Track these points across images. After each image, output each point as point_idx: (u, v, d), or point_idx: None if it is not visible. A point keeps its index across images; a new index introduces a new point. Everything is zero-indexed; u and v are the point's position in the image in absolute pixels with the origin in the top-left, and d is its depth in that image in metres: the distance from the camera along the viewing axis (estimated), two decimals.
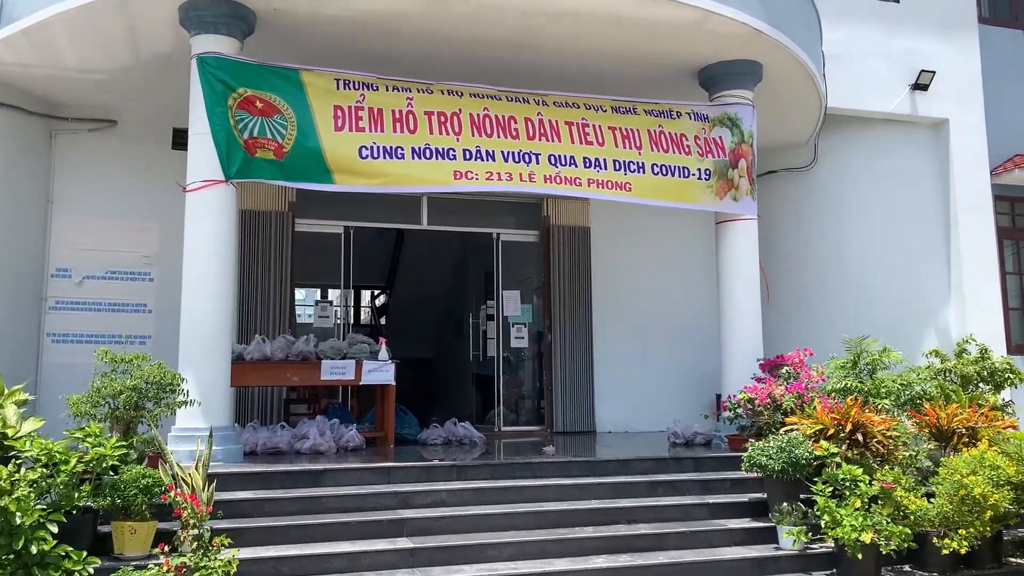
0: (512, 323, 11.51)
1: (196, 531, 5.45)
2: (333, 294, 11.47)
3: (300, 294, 13.61)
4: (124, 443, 6.25)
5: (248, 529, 6.14)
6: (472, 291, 16.34)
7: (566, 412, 11.22)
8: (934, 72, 11.31)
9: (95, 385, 6.55)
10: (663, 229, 12.05)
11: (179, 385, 6.85)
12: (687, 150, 9.03)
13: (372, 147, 7.98)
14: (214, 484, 6.02)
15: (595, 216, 11.73)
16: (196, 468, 6.02)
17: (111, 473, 5.81)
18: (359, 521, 6.36)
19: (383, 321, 18.70)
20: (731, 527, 6.82)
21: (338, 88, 8.03)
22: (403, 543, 6.17)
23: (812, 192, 11.59)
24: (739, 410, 8.32)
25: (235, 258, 9.84)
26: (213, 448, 7.21)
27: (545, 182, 8.52)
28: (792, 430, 7.19)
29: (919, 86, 11.35)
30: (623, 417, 11.56)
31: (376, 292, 19.42)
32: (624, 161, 8.83)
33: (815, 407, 7.32)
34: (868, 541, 6.09)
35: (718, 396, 11.71)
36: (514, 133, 8.45)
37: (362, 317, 19.96)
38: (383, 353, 9.21)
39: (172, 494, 5.55)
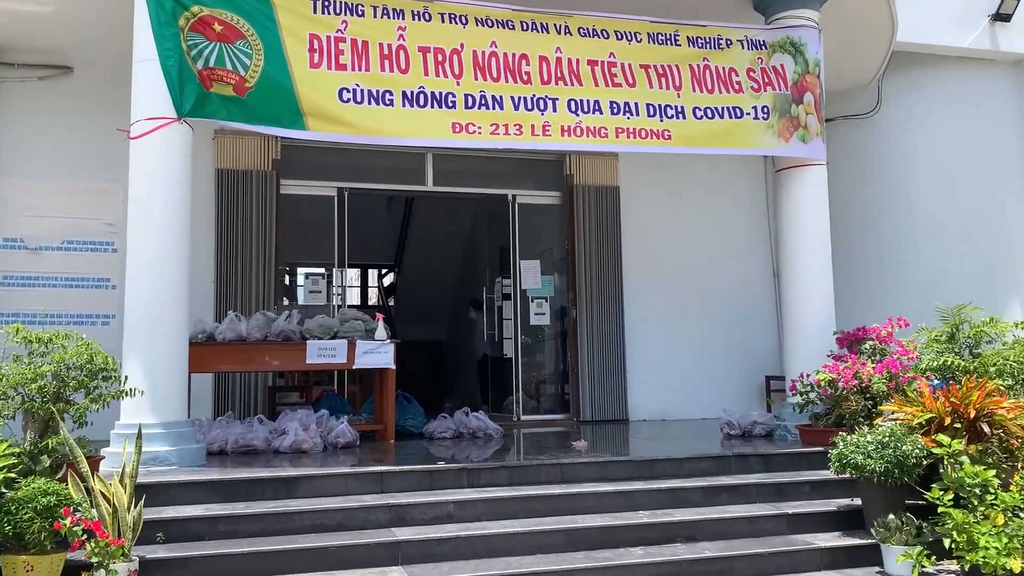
0: (531, 298, 9.92)
1: (105, 571, 3.92)
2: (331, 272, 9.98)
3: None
4: (34, 446, 4.75)
5: (194, 559, 4.61)
6: (487, 265, 14.78)
7: (594, 398, 9.65)
8: None
9: (1, 372, 5.04)
10: (705, 187, 10.42)
11: (115, 370, 5.33)
12: (738, 87, 7.41)
13: (355, 89, 6.42)
14: (143, 501, 4.49)
15: (625, 174, 10.11)
16: (121, 479, 4.50)
17: (4, 490, 4.30)
18: (340, 546, 4.81)
19: (391, 302, 17.17)
20: (819, 545, 5.23)
21: (315, 11, 6.46)
22: None
23: (876, 142, 9.92)
24: (811, 394, 6.73)
25: (210, 223, 8.44)
26: (165, 449, 5.75)
27: (563, 135, 6.94)
28: (891, 420, 5.60)
29: (1001, 16, 9.65)
30: (659, 403, 9.98)
31: (383, 271, 17.88)
32: (660, 105, 7.23)
33: (918, 390, 5.71)
34: (1018, 569, 4.50)
35: (768, 378, 10.13)
36: (526, 77, 6.87)
37: (369, 298, 18.44)
38: (380, 332, 7.67)
39: (67, 521, 4.01)
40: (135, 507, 4.40)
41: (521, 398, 9.82)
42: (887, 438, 5.24)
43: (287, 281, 10.48)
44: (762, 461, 6.21)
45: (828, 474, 5.97)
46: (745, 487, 5.79)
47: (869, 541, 5.22)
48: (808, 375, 6.70)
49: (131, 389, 5.44)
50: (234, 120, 6.26)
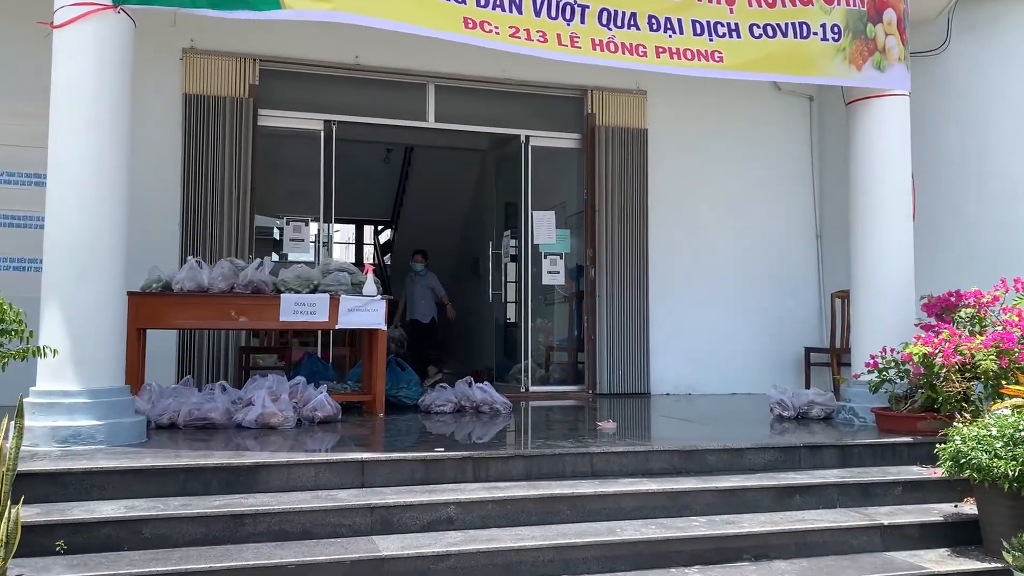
0: (544, 254, 8.60)
1: None
2: (314, 226, 8.59)
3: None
4: None
5: None
6: (494, 216, 13.45)
7: (613, 368, 8.37)
8: None
9: None
10: (743, 132, 9.06)
11: (18, 323, 4.02)
12: None
13: None
14: (20, 504, 3.21)
15: (655, 114, 8.74)
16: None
17: None
18: (303, 564, 3.54)
19: (388, 261, 15.87)
20: (929, 569, 3.97)
21: None
22: None
23: (944, 83, 8.52)
24: (890, 371, 5.45)
25: (175, 159, 6.45)
26: (90, 423, 4.49)
27: (594, 49, 5.62)
28: (1005, 408, 4.32)
29: None
30: (685, 376, 8.71)
31: (379, 227, 16.55)
32: (709, 22, 5.88)
33: None
34: None
35: (808, 350, 8.86)
36: None
37: (365, 257, 17.12)
38: (369, 286, 6.36)
39: None
40: (7, 512, 3.11)
41: (530, 367, 8.54)
42: (1021, 432, 3.96)
43: (276, 235, 9.08)
44: (838, 453, 4.93)
45: (920, 471, 4.73)
46: (823, 488, 4.51)
47: (993, 565, 3.96)
48: (892, 349, 5.41)
49: (41, 347, 4.14)
50: (186, 5, 4.89)
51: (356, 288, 6.40)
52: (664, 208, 8.70)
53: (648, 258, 8.56)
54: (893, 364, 5.36)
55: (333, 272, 6.43)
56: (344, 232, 17.91)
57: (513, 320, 13.14)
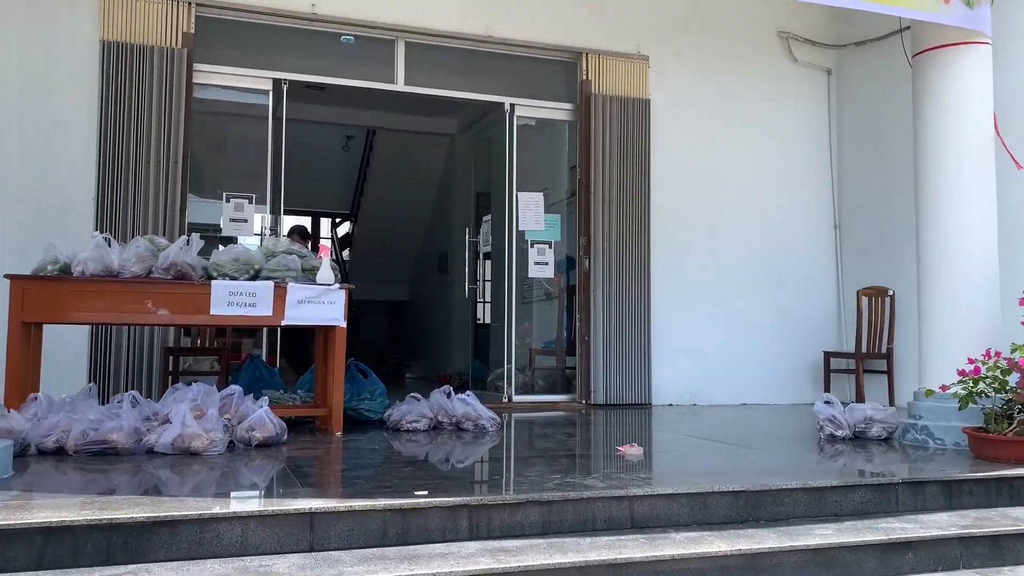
0: (531, 242, 7.31)
1: None
2: (259, 215, 7.18)
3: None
4: None
5: None
6: (466, 206, 12.14)
7: (610, 375, 7.11)
8: None
9: None
10: (760, 104, 7.90)
11: None
12: None
13: None
14: None
15: (658, 83, 7.52)
16: None
17: None
18: None
19: (346, 256, 14.47)
20: None
21: None
22: None
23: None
24: (986, 383, 4.26)
25: (90, 119, 5.61)
26: None
27: None
28: None
29: None
30: (689, 384, 7.50)
31: (337, 220, 15.15)
32: None
33: None
34: None
35: (827, 355, 7.69)
36: None
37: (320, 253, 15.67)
38: (325, 272, 5.02)
39: None
40: None
41: (513, 373, 7.24)
42: None
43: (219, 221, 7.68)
44: (943, 491, 3.70)
45: None
46: (941, 542, 3.29)
47: None
48: (998, 353, 4.22)
49: None
50: None
51: (308, 275, 5.06)
52: (668, 191, 7.48)
53: (650, 248, 7.32)
54: (995, 373, 4.16)
55: (280, 255, 5.08)
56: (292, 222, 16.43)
57: (487, 320, 11.88)
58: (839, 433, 4.92)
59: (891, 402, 7.30)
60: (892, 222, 7.60)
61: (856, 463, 4.22)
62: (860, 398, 7.30)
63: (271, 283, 4.86)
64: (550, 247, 7.29)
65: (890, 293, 7.38)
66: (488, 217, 7.59)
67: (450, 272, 12.57)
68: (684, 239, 7.55)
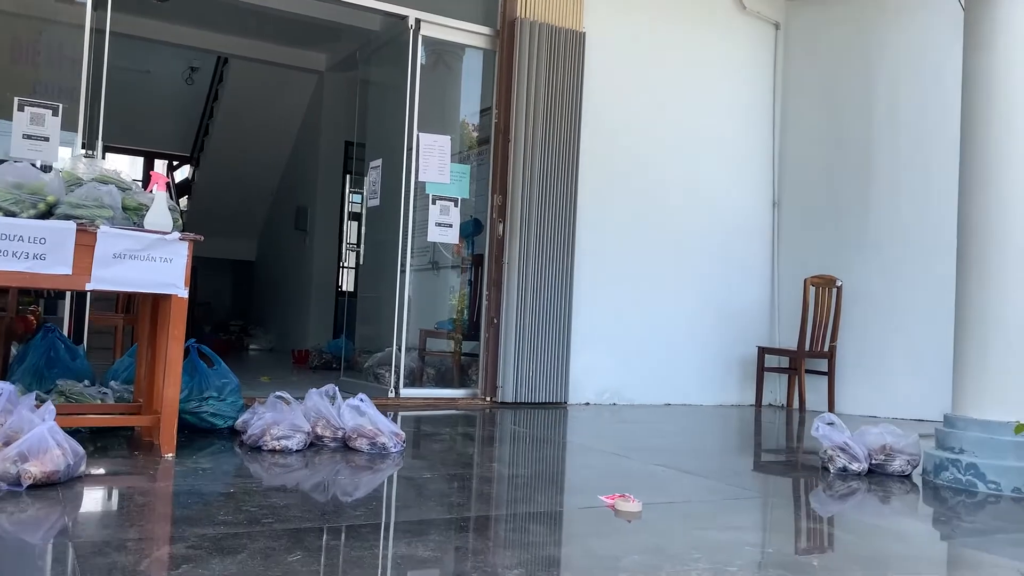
0: (432, 197, 5.75)
1: None
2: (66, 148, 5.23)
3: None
4: None
5: None
6: (337, 151, 10.36)
7: (520, 368, 5.71)
8: None
9: None
10: (704, 55, 6.70)
11: None
12: None
13: None
14: None
15: (595, 13, 6.12)
16: None
17: None
18: None
19: (184, 205, 12.32)
20: None
21: None
22: None
23: None
24: None
25: None
26: None
27: None
28: None
29: None
30: (609, 380, 6.23)
31: (175, 163, 12.93)
32: None
33: None
34: None
35: (762, 350, 6.62)
36: None
37: None
38: (159, 212, 3.30)
39: None
40: None
41: (403, 361, 5.68)
42: None
43: (24, 132, 5.52)
44: None
45: None
46: None
47: None
48: None
49: None
50: None
51: (132, 216, 3.33)
52: (599, 144, 6.12)
53: (576, 215, 5.94)
54: None
55: (88, 184, 3.31)
56: (124, 165, 14.07)
57: (349, 288, 10.20)
58: (854, 467, 3.72)
59: (831, 408, 6.31)
60: (838, 202, 6.59)
61: (842, 489, 3.01)
62: (803, 403, 6.27)
63: (71, 225, 3.11)
64: (456, 205, 5.76)
65: (838, 284, 6.37)
66: (377, 163, 5.95)
67: (309, 230, 10.80)
68: (610, 209, 6.23)
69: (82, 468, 2.81)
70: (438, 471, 3.34)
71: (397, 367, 5.59)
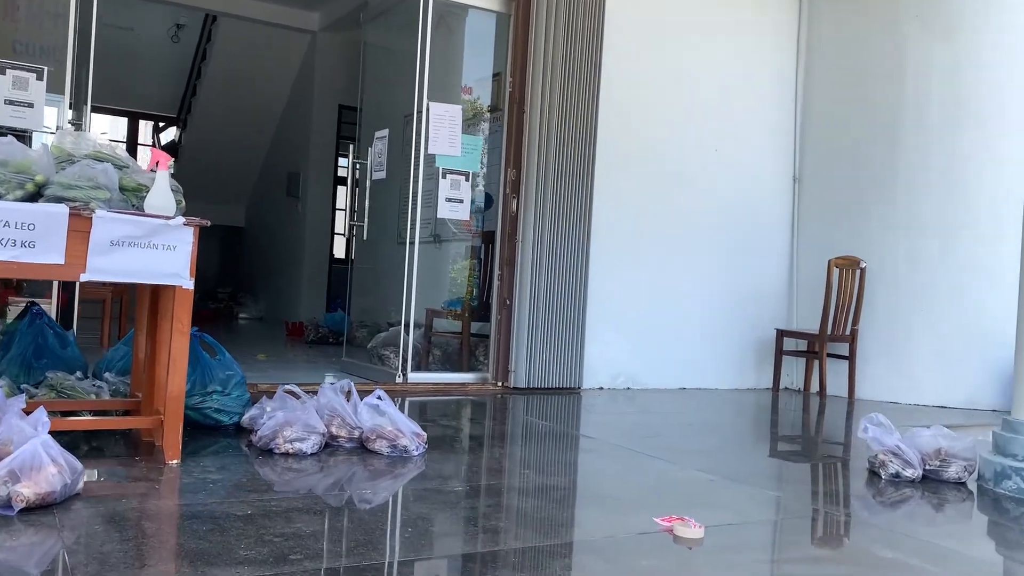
0: (442, 171, 5.40)
1: None
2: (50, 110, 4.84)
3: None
4: None
5: None
6: (331, 115, 9.96)
7: (534, 352, 5.42)
8: None
9: None
10: (727, 24, 6.35)
11: None
12: None
13: None
14: None
15: None
16: None
17: None
18: None
19: (171, 169, 11.84)
20: None
21: None
22: None
23: None
24: None
25: None
26: None
27: None
28: None
29: None
30: (623, 363, 5.96)
31: (161, 124, 12.46)
32: None
33: None
34: None
35: (781, 333, 6.37)
36: None
37: (138, 160, 12.91)
38: (160, 194, 2.96)
39: None
40: None
41: (410, 344, 5.37)
42: None
43: (6, 98, 5.07)
44: None
45: None
46: None
47: None
48: None
49: None
50: None
51: (131, 197, 2.99)
52: (614, 121, 5.78)
53: (593, 190, 5.62)
54: None
55: (82, 161, 2.96)
56: (107, 127, 13.57)
57: (344, 257, 9.85)
58: (907, 473, 3.48)
59: (850, 394, 6.09)
60: (861, 179, 6.31)
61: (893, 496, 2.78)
62: (823, 388, 6.04)
63: (63, 208, 2.77)
64: (467, 179, 5.43)
65: (862, 266, 6.11)
66: (384, 133, 5.59)
67: (301, 197, 10.42)
68: (626, 185, 5.92)
69: (80, 485, 2.51)
70: (467, 481, 3.06)
71: (405, 350, 5.28)
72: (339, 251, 11.69)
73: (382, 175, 5.55)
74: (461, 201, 5.38)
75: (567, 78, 5.43)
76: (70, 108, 4.85)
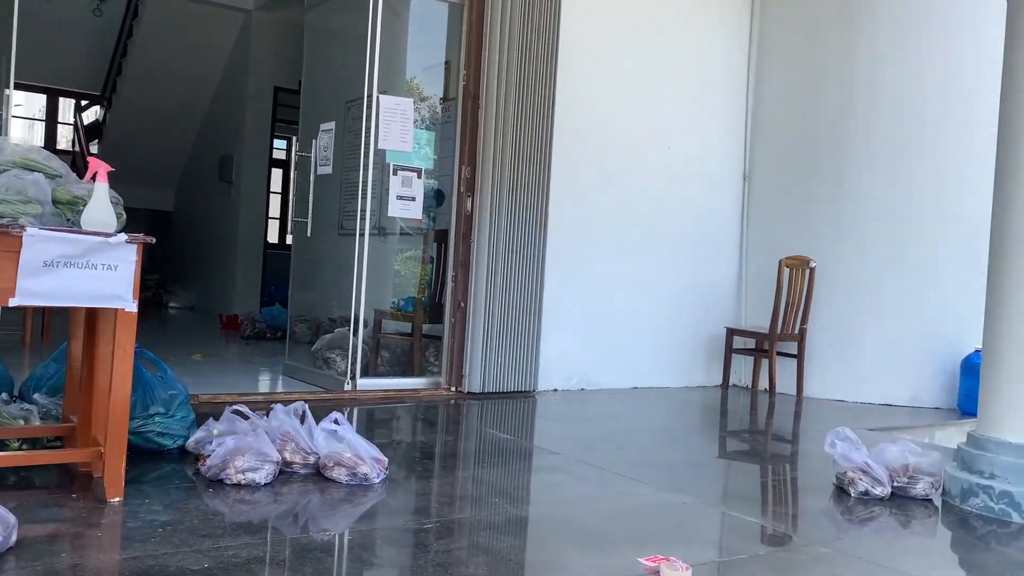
0: (394, 168, 5.15)
1: None
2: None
3: None
4: None
5: None
6: (266, 98, 9.56)
7: (489, 355, 5.25)
8: None
9: None
10: (677, 20, 6.24)
11: None
12: None
13: None
14: None
15: None
16: None
17: None
18: None
19: (95, 150, 11.30)
20: None
21: None
22: None
23: None
24: None
25: None
26: None
27: None
28: None
29: None
30: (577, 363, 5.84)
31: (83, 102, 11.82)
32: None
33: None
34: None
35: (731, 331, 6.34)
36: None
37: (59, 142, 12.28)
38: (99, 206, 2.68)
39: None
40: None
41: (360, 347, 5.13)
42: None
43: None
44: None
45: None
46: None
47: None
48: None
49: None
50: None
51: (66, 211, 2.71)
52: (572, 109, 5.62)
53: (550, 187, 5.46)
54: None
55: (8, 171, 2.66)
56: (26, 104, 12.85)
57: (279, 242, 9.48)
58: (877, 491, 3.43)
59: (799, 392, 6.11)
60: (812, 177, 6.30)
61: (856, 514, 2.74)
62: (772, 386, 6.04)
63: None
64: (419, 176, 5.20)
65: (811, 265, 6.11)
66: (330, 126, 5.31)
67: (235, 181, 10.00)
68: (579, 183, 5.77)
69: (12, 540, 2.25)
70: (436, 516, 2.89)
71: (354, 354, 5.05)
72: (272, 236, 11.30)
73: (328, 170, 5.28)
74: (413, 199, 5.16)
75: (523, 72, 5.24)
76: None
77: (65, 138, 12.17)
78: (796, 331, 6.11)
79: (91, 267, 2.63)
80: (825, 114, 6.26)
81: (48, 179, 2.73)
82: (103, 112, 11.18)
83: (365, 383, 5.07)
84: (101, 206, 2.67)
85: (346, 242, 7.29)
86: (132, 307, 2.70)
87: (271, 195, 10.76)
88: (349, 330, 5.51)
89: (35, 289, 2.56)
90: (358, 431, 3.38)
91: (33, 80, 11.07)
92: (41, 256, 2.55)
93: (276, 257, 10.38)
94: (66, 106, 11.90)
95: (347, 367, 5.09)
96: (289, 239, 11.78)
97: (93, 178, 2.71)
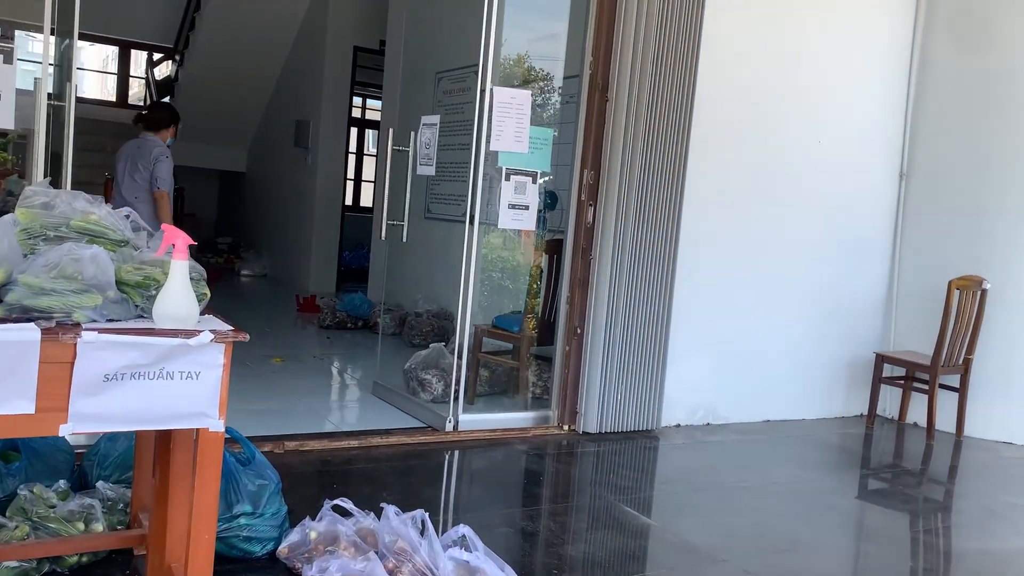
0: (506, 172, 4.39)
1: None
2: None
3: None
4: None
5: None
6: (345, 60, 8.87)
7: (608, 389, 4.53)
8: None
9: None
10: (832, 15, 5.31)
11: None
12: None
13: None
14: None
15: None
16: None
17: None
18: None
19: (168, 100, 10.74)
20: None
21: None
22: None
23: None
24: None
25: None
26: None
27: None
28: None
29: None
30: (703, 396, 5.08)
31: (156, 56, 11.26)
32: None
33: None
34: None
35: (880, 358, 5.49)
36: None
37: (130, 95, 11.78)
38: (178, 291, 2.01)
39: None
40: None
41: (463, 377, 4.45)
42: None
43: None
44: None
45: None
46: None
47: None
48: None
49: None
50: None
51: (133, 295, 2.04)
52: (709, 113, 4.77)
53: (683, 195, 4.65)
54: None
55: (60, 247, 2.00)
56: (97, 56, 12.35)
57: (364, 206, 8.86)
58: None
59: (959, 431, 5.29)
60: (986, 180, 5.37)
61: None
62: (932, 426, 5.22)
63: (34, 332, 1.83)
64: (534, 181, 4.44)
65: (984, 287, 5.22)
66: (433, 120, 4.56)
67: (311, 148, 9.41)
68: (713, 189, 4.94)
69: None
70: None
71: (457, 386, 4.38)
72: (350, 198, 10.72)
73: (430, 171, 4.56)
74: (527, 208, 4.41)
75: (659, 63, 4.41)
76: (55, 36, 3.75)
77: (134, 93, 11.66)
78: (960, 361, 5.26)
79: (166, 377, 1.98)
80: (1007, 106, 5.29)
81: (110, 250, 2.07)
82: (175, 68, 10.60)
83: (468, 420, 4.40)
84: (179, 295, 2.00)
85: (432, 227, 6.62)
86: (218, 426, 2.05)
87: (350, 155, 10.13)
88: (444, 346, 4.87)
89: (93, 411, 1.92)
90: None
91: (105, 31, 10.53)
92: (101, 368, 1.91)
93: (352, 220, 9.80)
94: (138, 59, 11.36)
95: (444, 394, 4.45)
96: (363, 200, 11.18)
97: (172, 253, 2.04)
